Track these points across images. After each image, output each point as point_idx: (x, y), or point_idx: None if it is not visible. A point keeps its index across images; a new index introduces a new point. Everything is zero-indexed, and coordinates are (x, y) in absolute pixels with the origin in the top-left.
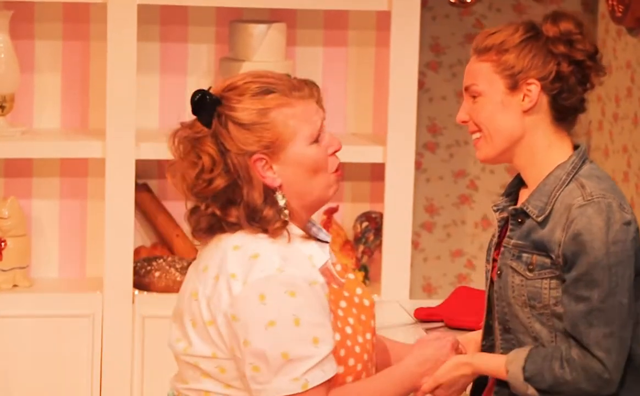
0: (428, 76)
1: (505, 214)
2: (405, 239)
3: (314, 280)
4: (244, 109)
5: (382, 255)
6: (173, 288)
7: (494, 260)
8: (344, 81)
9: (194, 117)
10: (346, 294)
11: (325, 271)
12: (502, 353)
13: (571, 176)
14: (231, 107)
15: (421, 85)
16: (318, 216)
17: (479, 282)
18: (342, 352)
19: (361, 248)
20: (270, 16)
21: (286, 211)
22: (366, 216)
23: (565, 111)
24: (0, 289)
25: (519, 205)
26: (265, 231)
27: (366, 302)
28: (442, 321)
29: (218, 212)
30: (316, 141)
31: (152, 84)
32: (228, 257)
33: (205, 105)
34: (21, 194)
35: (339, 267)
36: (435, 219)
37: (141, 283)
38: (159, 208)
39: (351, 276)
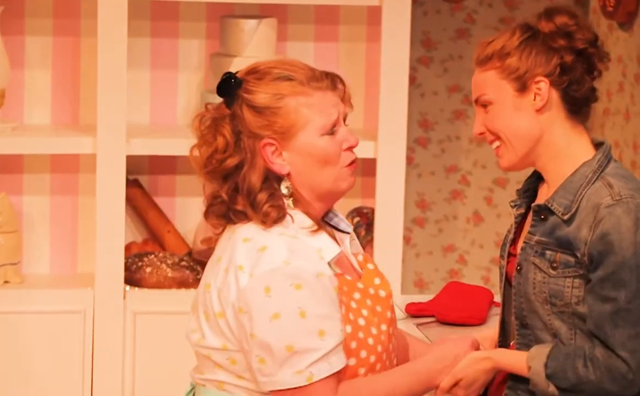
0: (419, 71)
1: (522, 211)
2: (396, 235)
3: (321, 272)
4: (259, 93)
5: (373, 251)
6: (164, 284)
7: (510, 255)
8: None
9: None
10: (360, 285)
11: (341, 260)
12: (518, 349)
13: (597, 174)
14: (248, 90)
15: (412, 80)
16: None
17: (470, 277)
18: (354, 344)
19: None
20: (260, 11)
21: (290, 200)
22: (357, 212)
23: (578, 102)
24: None
25: (541, 202)
26: (258, 216)
27: (382, 293)
28: (433, 316)
29: (225, 197)
30: (330, 133)
31: (142, 80)
32: (238, 249)
33: (229, 87)
34: (12, 191)
35: (360, 257)
36: (426, 214)
37: (132, 278)
38: (150, 203)
39: (370, 266)
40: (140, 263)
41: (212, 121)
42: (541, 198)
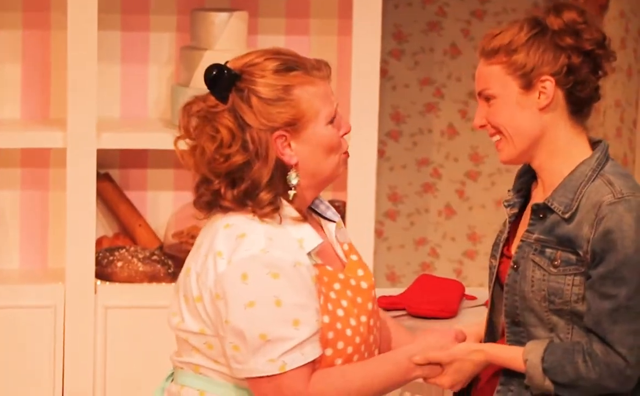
0: (391, 64)
1: (515, 210)
2: (368, 228)
3: (299, 262)
4: (268, 85)
5: None
6: (135, 278)
7: (503, 255)
8: None
9: (206, 91)
10: (341, 276)
11: (324, 250)
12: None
13: (597, 173)
14: (254, 82)
15: (384, 73)
16: None
17: (442, 270)
18: (331, 335)
19: None
20: (232, 4)
21: (293, 192)
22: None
23: (582, 102)
24: None
25: (540, 201)
26: (254, 212)
27: (364, 284)
28: (404, 309)
29: (223, 190)
30: (332, 121)
31: (113, 73)
32: (218, 235)
33: (223, 80)
34: None
35: (346, 247)
36: (398, 207)
37: (103, 273)
38: (121, 197)
39: (354, 257)
40: (111, 257)
41: (208, 115)
42: (536, 197)
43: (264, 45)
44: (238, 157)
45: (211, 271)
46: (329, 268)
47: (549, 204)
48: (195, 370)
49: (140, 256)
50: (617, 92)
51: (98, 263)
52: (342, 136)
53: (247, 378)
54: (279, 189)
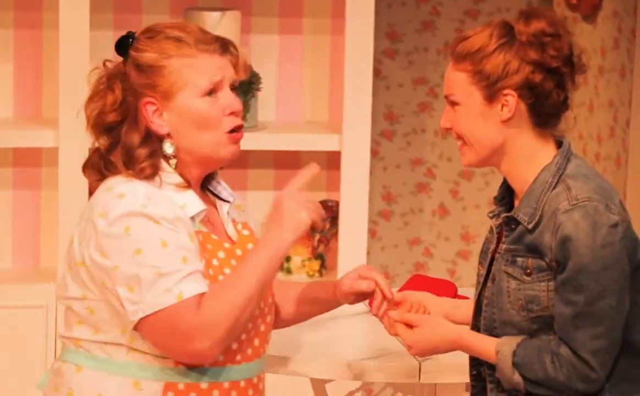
0: (385, 64)
1: (501, 220)
2: (361, 228)
3: (177, 217)
4: (146, 52)
5: (338, 244)
6: None
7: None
8: (299, 69)
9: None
10: (227, 245)
11: (211, 222)
12: None
13: (557, 178)
14: (137, 49)
15: (378, 73)
16: None
17: (436, 270)
18: None
19: (317, 236)
20: (224, 4)
21: (174, 160)
22: (322, 205)
23: (546, 115)
24: None
25: (512, 212)
26: (133, 170)
27: None
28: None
29: (103, 148)
30: (210, 95)
31: None
32: (100, 198)
33: (126, 44)
34: None
35: (240, 226)
36: (392, 207)
37: None
38: None
39: (246, 232)
40: None
41: (108, 78)
42: (517, 204)
43: (257, 44)
44: (111, 117)
45: (92, 233)
46: (214, 236)
47: (516, 216)
48: (76, 344)
49: None
50: (610, 92)
51: None
52: (229, 114)
53: (143, 322)
54: (157, 154)
